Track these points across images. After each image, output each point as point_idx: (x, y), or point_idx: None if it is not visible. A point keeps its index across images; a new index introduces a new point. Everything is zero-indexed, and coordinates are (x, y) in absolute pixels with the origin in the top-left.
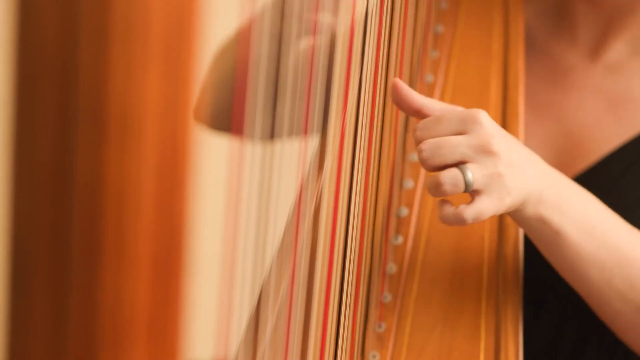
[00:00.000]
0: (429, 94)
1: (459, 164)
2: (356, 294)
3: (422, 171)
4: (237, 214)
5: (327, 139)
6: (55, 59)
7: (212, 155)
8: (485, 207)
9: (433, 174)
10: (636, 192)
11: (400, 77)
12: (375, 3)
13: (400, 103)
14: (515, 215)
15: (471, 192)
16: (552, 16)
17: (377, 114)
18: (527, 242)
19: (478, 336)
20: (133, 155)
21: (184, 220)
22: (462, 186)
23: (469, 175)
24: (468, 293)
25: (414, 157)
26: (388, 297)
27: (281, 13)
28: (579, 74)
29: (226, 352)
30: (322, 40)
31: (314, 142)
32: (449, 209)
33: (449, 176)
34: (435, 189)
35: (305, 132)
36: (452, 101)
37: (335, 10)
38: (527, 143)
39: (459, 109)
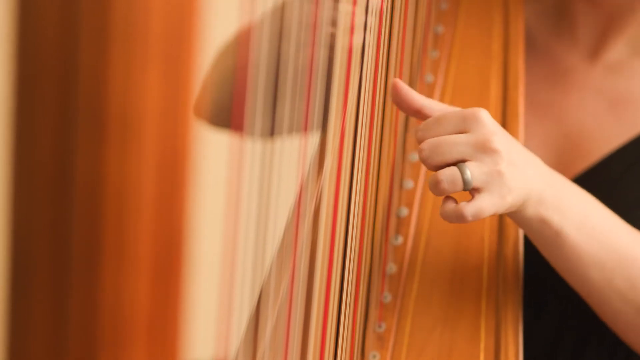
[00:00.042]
0: (429, 94)
1: (459, 163)
2: (356, 294)
3: (422, 171)
4: (237, 214)
5: (327, 139)
6: (55, 59)
7: (212, 155)
8: (486, 204)
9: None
10: (636, 193)
11: (400, 77)
12: (375, 4)
13: (400, 103)
14: (516, 216)
15: (471, 191)
16: (552, 16)
17: (377, 114)
18: (527, 242)
19: (478, 336)
20: (133, 155)
21: (184, 220)
22: (460, 184)
23: (467, 173)
24: (468, 293)
25: (414, 157)
26: (388, 297)
27: (282, 13)
28: (579, 74)
29: (226, 352)
30: (322, 40)
31: (314, 140)
32: (449, 206)
33: (447, 174)
34: (434, 187)
35: (306, 129)
36: (452, 101)
37: (336, 10)
38: (527, 143)
39: (460, 109)
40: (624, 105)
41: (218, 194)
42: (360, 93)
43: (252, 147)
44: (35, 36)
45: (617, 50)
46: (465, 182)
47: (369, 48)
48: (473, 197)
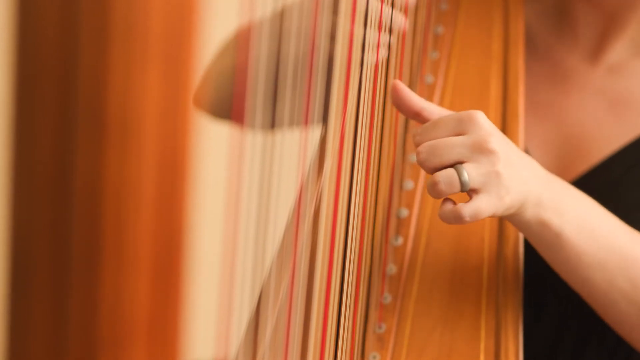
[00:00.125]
0: (429, 94)
1: (456, 164)
2: (356, 295)
3: (422, 172)
4: (237, 215)
5: (327, 139)
6: (55, 59)
7: (212, 155)
8: (484, 205)
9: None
10: (636, 195)
11: (400, 78)
12: (375, 4)
13: (400, 105)
14: (514, 218)
15: (469, 192)
16: (553, 16)
17: (377, 115)
18: (527, 243)
19: (478, 337)
20: (133, 155)
21: (184, 220)
22: (457, 185)
23: (465, 175)
24: (468, 294)
25: (414, 158)
26: (388, 298)
27: (282, 11)
28: (580, 74)
29: (226, 353)
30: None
31: (314, 139)
32: (447, 207)
33: (444, 175)
34: (432, 189)
35: (306, 122)
36: (452, 101)
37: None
38: (527, 144)
39: (457, 113)
40: (624, 106)
41: (218, 194)
42: (360, 93)
43: (252, 147)
44: (35, 36)
45: (617, 51)
46: (462, 184)
47: (368, 42)
48: (471, 198)
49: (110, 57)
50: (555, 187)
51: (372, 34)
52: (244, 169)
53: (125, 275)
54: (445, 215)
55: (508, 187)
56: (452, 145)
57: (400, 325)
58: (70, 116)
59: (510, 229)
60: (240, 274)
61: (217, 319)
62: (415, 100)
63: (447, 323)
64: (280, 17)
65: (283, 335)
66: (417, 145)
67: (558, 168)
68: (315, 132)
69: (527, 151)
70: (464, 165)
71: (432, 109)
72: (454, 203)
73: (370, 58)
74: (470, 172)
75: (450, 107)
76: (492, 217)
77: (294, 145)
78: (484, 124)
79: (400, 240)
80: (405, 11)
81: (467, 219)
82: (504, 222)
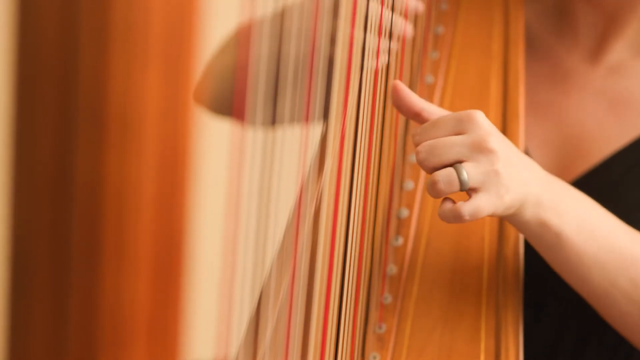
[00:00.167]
0: (429, 94)
1: (455, 164)
2: (356, 295)
3: (423, 172)
4: (238, 215)
5: (328, 140)
6: (55, 59)
7: (212, 155)
8: (483, 203)
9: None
10: (636, 195)
11: (401, 79)
12: (375, 4)
13: (400, 106)
14: (514, 219)
15: (469, 191)
16: (553, 16)
17: (378, 115)
18: (527, 243)
19: (478, 338)
20: (133, 155)
21: (184, 221)
22: (456, 184)
23: (464, 174)
24: (468, 294)
25: (414, 158)
26: (388, 299)
27: (283, 11)
28: (580, 74)
29: (226, 353)
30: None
31: (314, 140)
32: (447, 206)
33: (443, 175)
34: (431, 188)
35: (307, 119)
36: (452, 101)
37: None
38: (527, 144)
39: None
40: (624, 106)
41: (218, 194)
42: (360, 93)
43: (253, 147)
44: (35, 36)
45: (617, 51)
46: (461, 183)
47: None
48: (470, 197)
49: (110, 57)
50: (555, 187)
51: (372, 39)
52: (244, 170)
53: (125, 275)
54: (445, 214)
55: (507, 186)
56: (451, 145)
57: (400, 326)
58: (70, 116)
59: (511, 229)
60: (241, 274)
61: (217, 319)
62: (415, 100)
63: (447, 323)
64: (281, 18)
65: (283, 335)
66: (417, 145)
67: (558, 168)
68: (316, 132)
69: (527, 151)
70: (463, 164)
71: (432, 110)
72: (454, 202)
73: (370, 64)
74: (470, 171)
75: (451, 107)
76: (491, 216)
77: (295, 145)
78: (483, 123)
79: (400, 241)
80: (405, 14)
81: (467, 217)
82: (504, 222)
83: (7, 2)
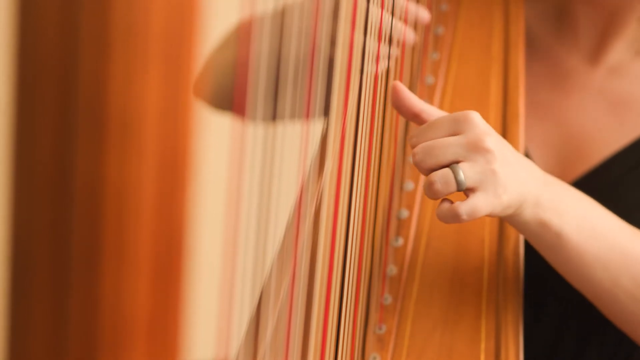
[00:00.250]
0: (430, 95)
1: (452, 164)
2: (356, 296)
3: None
4: (238, 215)
5: (328, 140)
6: (55, 59)
7: (212, 155)
8: (481, 203)
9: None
10: (637, 195)
11: (401, 79)
12: (375, 4)
13: (400, 107)
14: (514, 219)
15: (466, 191)
16: (553, 17)
17: (378, 116)
18: (527, 243)
19: (478, 338)
20: (133, 156)
21: (184, 221)
22: (453, 185)
23: (460, 174)
24: (468, 295)
25: None
26: (388, 299)
27: (283, 10)
28: (580, 75)
29: (226, 353)
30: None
31: (315, 140)
32: (444, 206)
33: (440, 175)
34: (428, 189)
35: (307, 115)
36: (453, 102)
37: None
38: (528, 144)
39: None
40: (624, 107)
41: (218, 194)
42: (361, 93)
43: (253, 147)
44: (35, 36)
45: (618, 52)
46: (458, 183)
47: (369, 49)
48: (468, 197)
49: (110, 57)
50: (554, 187)
51: (373, 43)
52: (244, 170)
53: (125, 275)
54: (443, 214)
55: (505, 186)
56: (447, 145)
57: (400, 326)
58: (70, 116)
59: (511, 230)
60: (241, 274)
61: (218, 319)
62: (415, 102)
63: (448, 324)
64: (281, 16)
65: (283, 335)
66: (414, 147)
67: (558, 168)
68: (316, 131)
69: (527, 151)
70: (459, 164)
71: (431, 111)
72: (452, 203)
73: (370, 68)
74: (466, 171)
75: (451, 108)
76: (490, 216)
77: (295, 145)
78: (479, 123)
79: (400, 241)
80: (405, 19)
81: (464, 217)
82: (504, 223)
83: (7, 2)
